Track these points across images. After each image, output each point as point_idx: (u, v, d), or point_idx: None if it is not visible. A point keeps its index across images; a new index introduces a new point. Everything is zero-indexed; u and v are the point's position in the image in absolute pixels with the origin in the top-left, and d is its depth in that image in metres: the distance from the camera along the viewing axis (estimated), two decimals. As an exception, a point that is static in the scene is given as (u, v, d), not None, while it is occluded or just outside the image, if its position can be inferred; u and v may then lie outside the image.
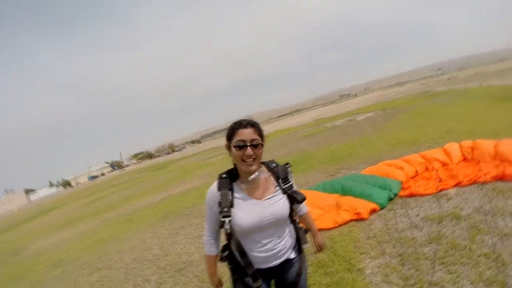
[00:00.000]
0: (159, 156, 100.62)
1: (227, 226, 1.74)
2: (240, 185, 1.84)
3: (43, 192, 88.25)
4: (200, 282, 4.06)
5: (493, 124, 7.77)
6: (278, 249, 1.85)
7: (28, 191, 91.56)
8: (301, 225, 2.09)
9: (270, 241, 1.82)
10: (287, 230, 1.92)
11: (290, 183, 1.89)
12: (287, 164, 1.97)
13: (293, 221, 2.00)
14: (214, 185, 1.85)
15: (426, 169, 5.34)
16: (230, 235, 1.82)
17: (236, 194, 1.81)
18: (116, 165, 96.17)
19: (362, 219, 4.33)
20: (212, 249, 1.98)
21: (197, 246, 5.39)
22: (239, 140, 1.75)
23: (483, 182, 4.36)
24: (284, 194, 1.84)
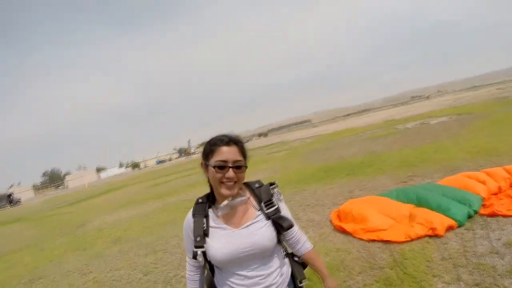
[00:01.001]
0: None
1: (199, 258, 1.55)
2: (216, 211, 1.62)
3: (113, 171, 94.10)
4: None
5: None
6: (265, 285, 1.56)
7: (99, 169, 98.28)
8: (296, 258, 1.78)
9: (254, 276, 1.56)
10: (276, 264, 1.62)
11: (275, 206, 1.62)
12: (272, 184, 1.70)
13: (287, 253, 1.74)
14: (190, 212, 1.67)
15: (511, 186, 4.87)
16: (203, 268, 1.69)
17: (211, 222, 1.60)
18: (183, 152, 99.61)
19: (437, 236, 4.02)
20: (193, 287, 1.73)
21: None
22: (220, 160, 1.52)
23: None
24: (268, 219, 1.59)
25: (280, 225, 1.56)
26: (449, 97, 51.00)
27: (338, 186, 8.02)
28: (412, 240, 4.08)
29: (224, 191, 1.54)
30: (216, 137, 1.60)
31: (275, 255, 1.63)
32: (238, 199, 1.59)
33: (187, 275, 1.74)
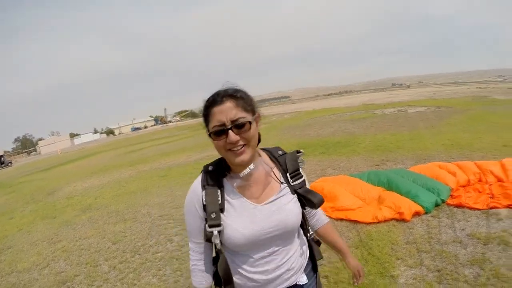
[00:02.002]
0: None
1: (216, 240, 1.24)
2: (232, 181, 1.32)
3: (87, 137, 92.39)
4: None
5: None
6: (284, 269, 1.33)
7: (73, 135, 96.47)
8: (315, 234, 1.57)
9: (273, 260, 1.31)
10: (297, 244, 1.40)
11: (303, 178, 1.37)
12: (298, 152, 1.43)
13: (304, 231, 1.49)
14: (197, 182, 1.34)
15: (479, 180, 4.99)
16: (219, 252, 1.31)
17: (227, 195, 1.30)
18: (159, 120, 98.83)
19: (403, 220, 4.14)
20: (202, 280, 1.39)
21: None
22: (216, 125, 1.22)
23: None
24: (294, 194, 1.33)
25: (310, 200, 1.31)
26: (430, 89, 51.87)
27: (312, 163, 8.13)
28: (379, 222, 4.20)
29: (234, 159, 1.24)
30: (208, 97, 1.28)
31: (295, 235, 1.40)
32: (259, 166, 1.32)
33: (192, 266, 1.39)
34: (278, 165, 1.38)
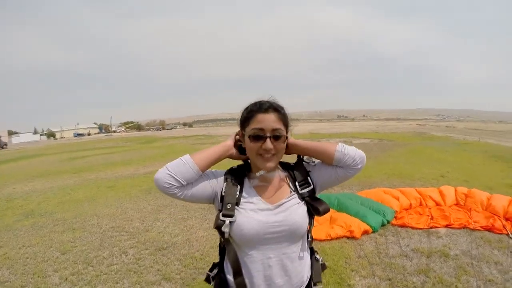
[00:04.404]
0: (148, 129, 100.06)
1: (225, 229, 1.32)
2: (250, 181, 1.46)
3: (26, 137, 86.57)
4: (182, 267, 3.98)
5: (486, 179, 8.05)
6: (282, 282, 1.39)
7: (11, 133, 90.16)
8: (318, 256, 1.60)
9: (276, 260, 1.38)
10: (302, 254, 1.45)
11: (311, 187, 1.45)
12: (302, 160, 1.53)
13: (311, 249, 1.56)
14: (222, 170, 1.51)
15: (420, 204, 5.51)
16: (226, 243, 1.40)
17: (244, 192, 1.42)
18: (104, 128, 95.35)
19: (354, 238, 4.45)
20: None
21: (181, 228, 5.35)
22: (257, 129, 1.35)
23: (472, 229, 4.56)
24: (302, 200, 1.43)
25: (315, 208, 1.40)
26: (374, 122, 54.89)
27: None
28: (332, 239, 4.47)
29: (262, 163, 1.39)
30: (255, 102, 1.42)
31: (301, 243, 1.45)
32: (275, 173, 1.46)
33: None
34: (288, 174, 1.50)
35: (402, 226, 4.81)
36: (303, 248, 1.46)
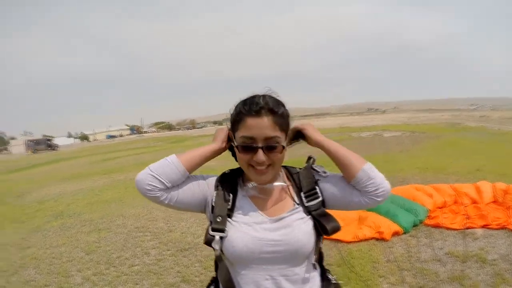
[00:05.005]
0: (179, 129, 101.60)
1: (216, 246, 1.13)
2: (246, 189, 1.23)
3: (61, 140, 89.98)
4: (202, 269, 3.94)
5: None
6: None
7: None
8: (333, 276, 1.32)
9: (273, 283, 1.14)
10: (307, 275, 1.19)
11: (319, 199, 1.19)
12: (310, 160, 1.31)
13: (322, 268, 1.30)
14: (215, 177, 1.28)
15: (455, 202, 5.14)
16: (218, 260, 1.19)
17: (238, 202, 1.21)
18: (135, 130, 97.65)
19: (383, 239, 4.20)
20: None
21: (205, 228, 5.25)
22: (246, 137, 1.11)
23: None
24: (308, 214, 1.17)
25: (322, 226, 1.14)
26: (405, 114, 53.41)
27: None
28: (360, 241, 4.23)
29: (255, 177, 1.16)
30: (245, 99, 1.16)
31: (306, 265, 1.19)
32: (273, 184, 1.21)
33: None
34: (293, 183, 1.24)
35: (436, 226, 4.49)
36: (309, 269, 1.20)
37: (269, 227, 1.15)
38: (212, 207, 1.19)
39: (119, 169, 14.44)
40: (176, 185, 1.21)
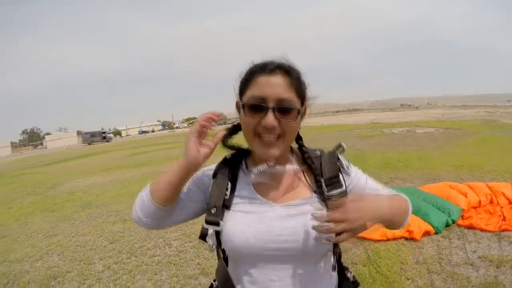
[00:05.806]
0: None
1: (209, 240, 0.98)
2: (249, 175, 1.05)
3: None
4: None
5: None
6: None
7: (80, 133, 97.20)
8: (349, 273, 1.16)
9: (283, 285, 0.97)
10: (324, 275, 1.03)
11: (342, 188, 1.00)
12: (339, 148, 1.07)
13: (341, 265, 1.14)
14: (212, 166, 1.12)
15: (491, 202, 4.82)
16: (217, 257, 1.08)
17: (239, 189, 1.04)
18: (167, 125, 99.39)
19: (413, 239, 3.97)
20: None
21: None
22: (256, 97, 0.93)
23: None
24: (326, 206, 0.97)
25: None
26: (439, 110, 51.76)
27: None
28: (388, 239, 4.02)
29: (261, 149, 0.96)
30: (258, 63, 0.98)
31: (321, 265, 1.01)
32: (284, 168, 1.03)
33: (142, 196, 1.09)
34: (310, 169, 1.05)
35: (470, 227, 4.20)
36: (327, 267, 1.02)
37: (274, 214, 0.98)
38: (209, 196, 1.05)
39: (148, 162, 14.66)
40: (171, 206, 1.06)
